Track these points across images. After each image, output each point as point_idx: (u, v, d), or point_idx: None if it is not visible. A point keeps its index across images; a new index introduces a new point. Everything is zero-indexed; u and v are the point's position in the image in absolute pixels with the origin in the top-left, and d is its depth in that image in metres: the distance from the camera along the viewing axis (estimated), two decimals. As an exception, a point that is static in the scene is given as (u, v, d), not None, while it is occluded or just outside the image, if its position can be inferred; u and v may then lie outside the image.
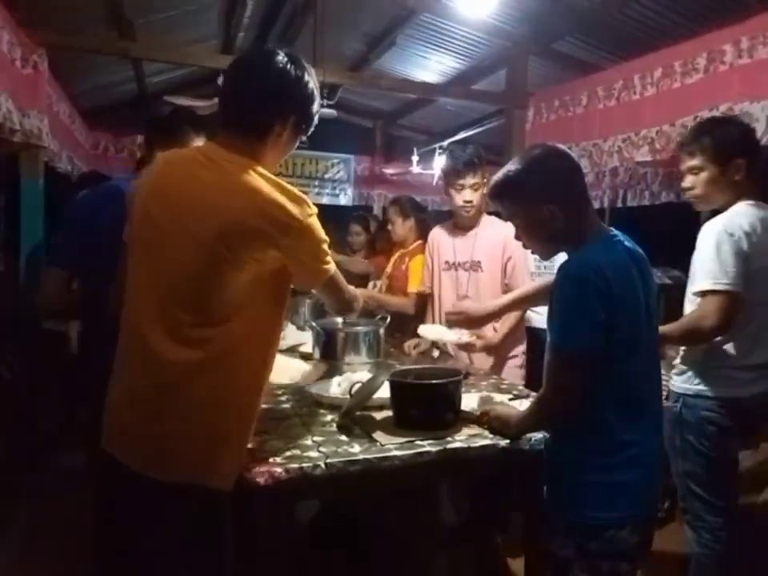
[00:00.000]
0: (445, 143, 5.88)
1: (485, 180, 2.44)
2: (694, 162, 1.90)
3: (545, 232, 1.44)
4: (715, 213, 1.91)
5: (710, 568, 1.85)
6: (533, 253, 1.56)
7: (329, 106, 4.12)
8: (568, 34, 4.09)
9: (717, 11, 3.35)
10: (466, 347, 2.31)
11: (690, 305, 1.88)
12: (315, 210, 1.28)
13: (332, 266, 1.36)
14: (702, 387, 1.84)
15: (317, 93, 1.35)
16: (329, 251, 1.35)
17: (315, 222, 1.28)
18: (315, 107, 1.36)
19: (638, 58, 3.47)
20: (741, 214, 1.83)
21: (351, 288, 1.52)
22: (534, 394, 1.86)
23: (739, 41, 2.83)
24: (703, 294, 1.77)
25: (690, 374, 1.89)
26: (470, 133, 5.71)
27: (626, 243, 1.43)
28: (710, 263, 1.77)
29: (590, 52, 4.24)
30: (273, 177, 1.25)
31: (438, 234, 2.77)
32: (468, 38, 4.55)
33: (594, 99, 3.75)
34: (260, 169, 1.25)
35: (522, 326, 2.57)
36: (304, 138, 1.40)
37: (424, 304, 2.85)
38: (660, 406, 1.46)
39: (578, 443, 1.38)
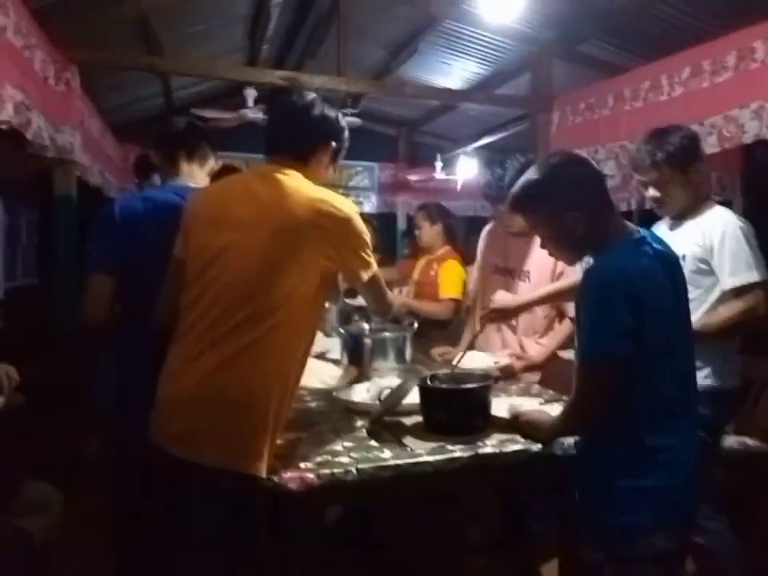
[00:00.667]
0: (469, 148, 5.87)
1: None
2: (654, 175, 1.97)
3: (569, 239, 1.43)
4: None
5: None
6: (558, 260, 1.55)
7: (353, 115, 4.15)
8: (593, 36, 4.06)
9: (744, 9, 3.29)
10: (506, 371, 2.19)
11: (714, 296, 1.92)
12: (357, 208, 1.49)
13: (375, 265, 1.51)
14: None
15: (346, 126, 1.61)
16: (371, 251, 1.50)
17: (358, 218, 1.46)
18: (346, 138, 1.61)
19: (664, 58, 3.42)
20: (730, 212, 1.98)
21: (391, 296, 1.68)
22: (565, 398, 1.84)
23: (770, 37, 2.78)
24: (751, 285, 1.85)
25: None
26: (494, 138, 5.69)
27: (655, 245, 1.40)
28: (746, 256, 1.86)
29: (616, 53, 4.21)
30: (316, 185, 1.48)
31: (491, 233, 2.59)
32: (491, 43, 4.55)
33: (621, 101, 3.70)
34: (305, 178, 1.47)
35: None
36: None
37: (458, 310, 2.83)
38: (695, 410, 1.43)
39: (609, 447, 1.36)
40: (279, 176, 1.44)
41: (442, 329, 3.06)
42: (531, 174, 1.48)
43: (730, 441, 3.01)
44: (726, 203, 4.45)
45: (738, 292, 1.88)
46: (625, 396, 1.31)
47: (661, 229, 2.12)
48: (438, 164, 6.04)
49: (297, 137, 1.51)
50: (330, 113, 1.55)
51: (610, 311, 1.28)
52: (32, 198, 4.80)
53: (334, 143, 1.55)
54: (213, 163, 2.01)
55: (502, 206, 2.28)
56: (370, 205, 6.76)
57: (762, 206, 4.05)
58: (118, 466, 1.82)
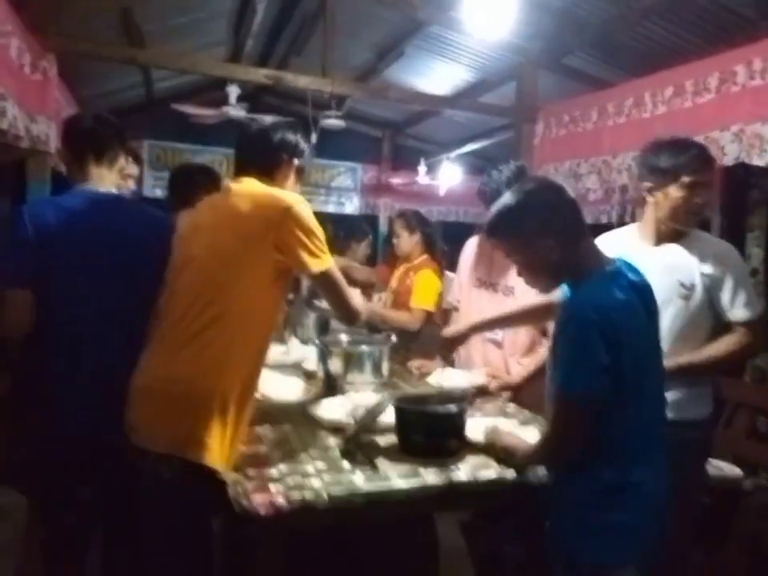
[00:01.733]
0: (453, 154, 5.86)
1: None
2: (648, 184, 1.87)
3: (544, 266, 1.42)
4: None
5: None
6: (533, 287, 1.53)
7: (337, 117, 4.11)
8: (578, 49, 4.07)
9: (729, 31, 3.34)
10: (481, 390, 2.18)
11: (705, 329, 1.84)
12: (306, 203, 1.56)
13: (331, 261, 1.56)
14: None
15: (306, 147, 1.73)
16: (326, 246, 1.56)
17: (302, 207, 1.53)
18: (308, 155, 1.75)
19: (648, 76, 3.44)
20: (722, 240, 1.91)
21: (357, 298, 1.71)
22: (540, 418, 1.83)
23: (751, 62, 2.81)
24: (756, 320, 1.80)
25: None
26: (479, 145, 5.69)
27: (630, 275, 1.39)
28: (750, 288, 1.81)
29: (601, 67, 4.23)
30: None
31: (476, 245, 2.54)
32: (477, 51, 4.54)
33: (604, 116, 3.73)
34: (254, 181, 1.60)
35: None
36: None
37: (430, 321, 2.81)
38: (664, 447, 1.42)
39: (580, 481, 1.35)
40: (235, 185, 1.62)
41: (417, 338, 3.04)
42: (506, 199, 1.46)
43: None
44: (705, 221, 4.53)
45: (739, 326, 1.81)
46: (598, 429, 1.30)
47: (636, 243, 1.95)
48: (422, 168, 6.03)
49: (259, 159, 1.64)
50: (289, 135, 1.68)
51: (587, 349, 1.27)
52: (4, 186, 4.67)
53: (296, 160, 1.69)
54: (123, 162, 1.96)
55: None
56: (352, 206, 6.73)
57: (740, 224, 4.11)
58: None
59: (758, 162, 2.72)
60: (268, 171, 1.63)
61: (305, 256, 1.51)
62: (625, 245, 1.90)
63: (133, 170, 2.55)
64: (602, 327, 1.27)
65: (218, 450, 1.44)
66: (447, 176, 5.85)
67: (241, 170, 1.65)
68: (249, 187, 1.59)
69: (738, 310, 1.80)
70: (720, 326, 1.85)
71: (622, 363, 1.28)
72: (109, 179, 1.86)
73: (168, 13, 4.06)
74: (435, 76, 5.17)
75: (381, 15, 4.32)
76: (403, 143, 7.08)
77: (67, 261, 1.71)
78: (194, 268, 1.55)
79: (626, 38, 3.76)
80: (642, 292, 1.40)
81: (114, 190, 1.87)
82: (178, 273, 1.59)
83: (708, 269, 1.80)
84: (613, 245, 1.83)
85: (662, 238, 1.89)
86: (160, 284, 1.64)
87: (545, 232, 1.38)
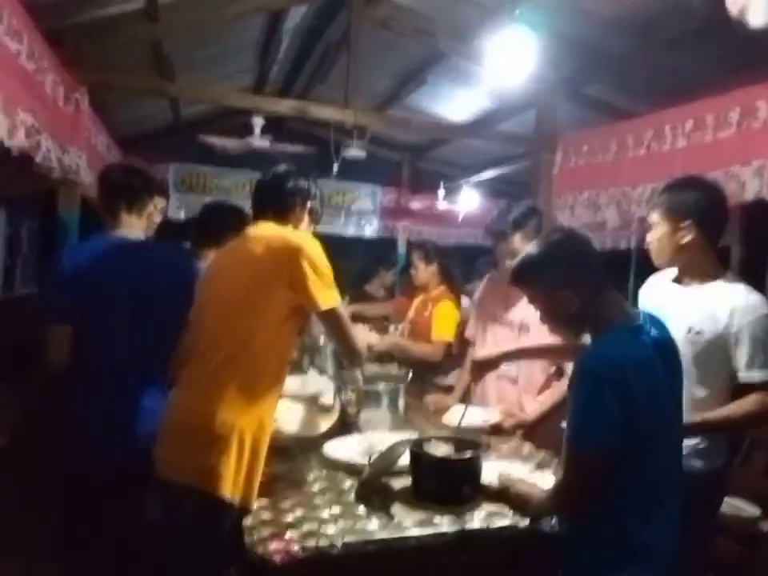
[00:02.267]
0: (472, 179, 5.89)
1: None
2: (653, 217, 1.89)
3: (563, 316, 1.45)
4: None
5: None
6: (554, 334, 1.55)
7: (358, 147, 4.17)
8: (598, 80, 4.09)
9: (751, 64, 3.33)
10: (496, 429, 2.19)
11: (720, 385, 1.77)
12: (316, 242, 1.65)
13: (338, 301, 1.65)
14: None
15: (316, 192, 1.84)
16: (334, 286, 1.64)
17: (312, 248, 1.62)
18: (319, 198, 1.86)
19: (668, 109, 3.44)
20: (753, 291, 1.78)
21: (361, 340, 1.79)
22: (556, 460, 1.84)
23: (774, 99, 2.80)
24: None
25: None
26: (498, 172, 5.72)
27: (653, 331, 1.41)
28: None
29: (621, 98, 4.24)
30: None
31: (492, 280, 2.59)
32: (497, 80, 4.57)
33: (624, 147, 3.73)
34: (271, 225, 1.71)
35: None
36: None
37: (449, 353, 2.82)
38: (679, 503, 1.42)
39: (594, 539, 1.36)
40: (252, 230, 1.73)
41: (434, 370, 3.06)
42: (531, 248, 1.51)
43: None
44: (725, 249, 4.49)
45: (754, 387, 1.71)
46: (611, 484, 1.31)
47: (666, 282, 1.96)
48: (441, 192, 6.06)
49: (274, 205, 1.77)
50: (301, 182, 1.80)
51: (599, 403, 1.29)
52: (34, 209, 4.82)
53: (309, 203, 1.82)
54: (152, 209, 2.21)
55: (501, 245, 2.35)
56: (371, 229, 6.77)
57: (761, 253, 4.07)
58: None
59: (778, 198, 2.71)
60: (283, 215, 1.76)
61: (314, 292, 1.59)
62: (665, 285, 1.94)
63: (161, 204, 2.66)
64: (615, 382, 1.29)
65: (234, 481, 1.52)
66: (466, 200, 5.87)
67: (258, 214, 1.78)
68: (263, 231, 1.70)
69: (757, 371, 1.70)
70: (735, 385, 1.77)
71: (636, 420, 1.29)
72: (138, 225, 2.11)
73: (197, 44, 4.17)
74: (456, 103, 5.22)
75: (403, 46, 4.40)
76: (423, 167, 7.12)
77: (98, 300, 1.93)
78: (213, 309, 1.67)
79: (647, 69, 3.77)
80: (664, 348, 1.41)
81: (141, 236, 2.09)
82: (200, 313, 1.72)
83: (723, 318, 1.73)
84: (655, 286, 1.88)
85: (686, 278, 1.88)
86: (180, 320, 1.76)
87: (565, 284, 1.42)
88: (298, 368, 3.00)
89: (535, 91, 4.43)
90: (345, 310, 1.71)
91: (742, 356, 1.72)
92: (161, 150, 6.01)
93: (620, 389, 1.28)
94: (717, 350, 1.74)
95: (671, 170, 3.45)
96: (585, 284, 1.42)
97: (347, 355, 1.83)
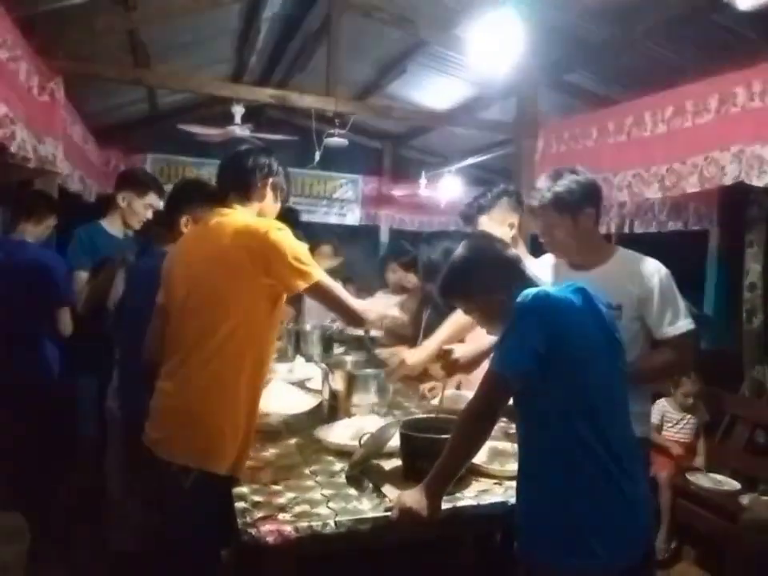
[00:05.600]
0: (453, 167, 5.90)
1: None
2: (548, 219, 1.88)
3: (502, 317, 1.46)
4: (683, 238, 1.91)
5: None
6: (492, 335, 1.60)
7: (339, 135, 4.15)
8: (579, 67, 4.12)
9: (729, 51, 3.37)
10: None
11: (640, 345, 1.86)
12: (282, 226, 1.66)
13: (318, 273, 1.67)
14: None
15: (278, 168, 1.83)
16: (310, 259, 1.67)
17: (283, 234, 1.63)
18: (282, 174, 1.85)
19: (649, 96, 3.48)
20: (650, 258, 1.89)
21: (357, 301, 1.85)
22: None
23: (751, 84, 2.85)
24: (686, 334, 1.81)
25: None
26: (480, 159, 5.73)
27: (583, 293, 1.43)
28: (681, 303, 1.83)
29: (601, 85, 4.27)
30: (247, 214, 1.74)
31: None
32: (478, 68, 4.58)
33: (605, 134, 3.76)
34: (244, 213, 1.73)
35: None
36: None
37: None
38: (635, 444, 1.45)
39: (534, 486, 1.38)
40: (218, 218, 1.71)
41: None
42: (451, 263, 1.57)
43: (702, 477, 3.08)
44: (702, 233, 4.56)
45: (671, 342, 1.83)
46: (562, 423, 1.34)
47: (565, 269, 1.99)
48: (423, 180, 6.07)
49: (235, 181, 1.78)
50: (262, 159, 1.80)
51: (519, 333, 1.34)
52: (9, 200, 4.71)
53: (270, 179, 1.80)
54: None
55: (471, 228, 2.42)
56: (354, 217, 6.77)
57: (737, 237, 4.14)
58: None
59: (757, 182, 2.75)
60: (245, 193, 1.77)
61: (291, 277, 1.62)
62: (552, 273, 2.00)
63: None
64: (542, 315, 1.34)
65: (232, 460, 1.60)
66: (448, 188, 5.88)
67: (222, 193, 1.80)
68: (229, 220, 1.69)
69: (667, 328, 1.81)
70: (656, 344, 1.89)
71: (564, 354, 1.33)
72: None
73: (173, 32, 4.11)
74: (436, 91, 5.22)
75: (383, 34, 4.37)
76: (404, 155, 7.12)
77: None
78: (193, 304, 1.68)
79: (627, 56, 3.80)
80: (589, 300, 1.43)
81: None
82: (180, 307, 1.72)
83: (635, 288, 1.82)
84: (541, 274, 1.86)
85: (576, 265, 1.94)
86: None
87: (496, 286, 1.48)
88: (284, 356, 3.00)
89: (516, 79, 4.44)
90: (327, 278, 1.71)
91: (655, 316, 1.82)
92: (137, 141, 5.92)
93: (547, 321, 1.32)
94: (636, 319, 1.83)
95: (651, 155, 3.50)
96: (512, 281, 1.47)
97: (347, 320, 1.87)
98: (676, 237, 4.52)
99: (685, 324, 1.81)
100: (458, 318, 2.23)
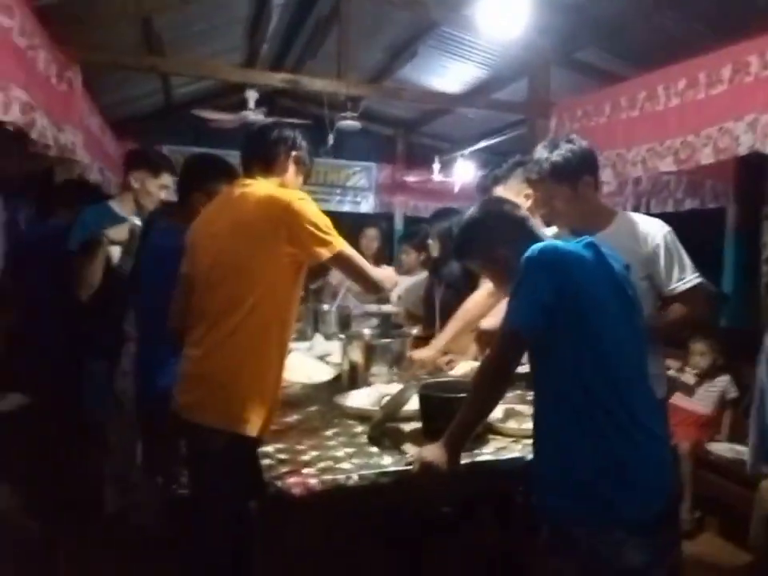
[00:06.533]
0: (467, 151, 5.90)
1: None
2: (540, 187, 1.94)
3: (511, 274, 1.46)
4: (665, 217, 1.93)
5: None
6: (506, 294, 1.60)
7: (352, 118, 4.18)
8: (590, 44, 4.10)
9: (741, 22, 3.34)
10: None
11: (651, 303, 1.87)
12: (305, 196, 1.69)
13: (341, 243, 1.70)
14: None
15: (303, 143, 1.85)
16: (332, 230, 1.69)
17: (301, 201, 1.66)
18: (305, 147, 1.86)
19: (660, 69, 3.46)
20: (652, 218, 1.95)
21: (378, 270, 1.92)
22: None
23: (764, 52, 2.82)
24: (696, 287, 1.85)
25: None
26: (493, 141, 5.73)
27: (603, 249, 1.45)
28: (686, 258, 1.86)
29: (613, 62, 4.25)
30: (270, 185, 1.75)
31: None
32: (489, 49, 4.59)
33: (618, 109, 3.75)
34: (267, 183, 1.75)
35: None
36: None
37: None
38: (655, 402, 1.47)
39: (563, 434, 1.38)
40: (241, 189, 1.75)
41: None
42: (461, 226, 1.62)
43: (722, 448, 3.08)
44: (720, 211, 4.53)
45: (681, 297, 1.86)
46: (580, 386, 1.34)
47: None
48: (436, 166, 6.08)
49: (259, 154, 1.80)
50: (286, 132, 1.82)
51: (530, 287, 1.35)
52: (31, 192, 4.80)
53: (294, 153, 1.82)
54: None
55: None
56: (368, 205, 6.80)
57: (755, 213, 4.11)
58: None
59: (772, 151, 2.74)
60: (268, 165, 1.79)
61: (314, 246, 1.65)
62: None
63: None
64: (550, 268, 1.36)
65: (259, 422, 1.63)
66: (462, 173, 5.89)
67: (245, 166, 1.82)
68: (252, 190, 1.72)
69: (676, 283, 1.84)
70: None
71: (574, 305, 1.34)
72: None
73: (187, 21, 4.16)
74: (448, 74, 5.23)
75: (393, 17, 4.39)
76: (417, 141, 7.13)
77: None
78: (218, 274, 1.70)
79: (638, 31, 3.78)
80: (600, 255, 1.44)
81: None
82: (205, 278, 1.74)
83: (640, 248, 1.85)
84: None
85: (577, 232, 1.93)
86: None
87: (501, 243, 1.51)
88: (302, 336, 3.05)
89: (527, 59, 4.44)
90: (349, 247, 1.74)
91: (663, 274, 1.85)
92: (153, 133, 5.99)
93: (557, 274, 1.34)
94: (644, 279, 1.84)
95: (665, 129, 3.48)
96: (522, 238, 1.48)
97: (368, 289, 1.91)
98: (693, 216, 4.50)
99: (693, 277, 1.85)
100: (464, 314, 2.29)
